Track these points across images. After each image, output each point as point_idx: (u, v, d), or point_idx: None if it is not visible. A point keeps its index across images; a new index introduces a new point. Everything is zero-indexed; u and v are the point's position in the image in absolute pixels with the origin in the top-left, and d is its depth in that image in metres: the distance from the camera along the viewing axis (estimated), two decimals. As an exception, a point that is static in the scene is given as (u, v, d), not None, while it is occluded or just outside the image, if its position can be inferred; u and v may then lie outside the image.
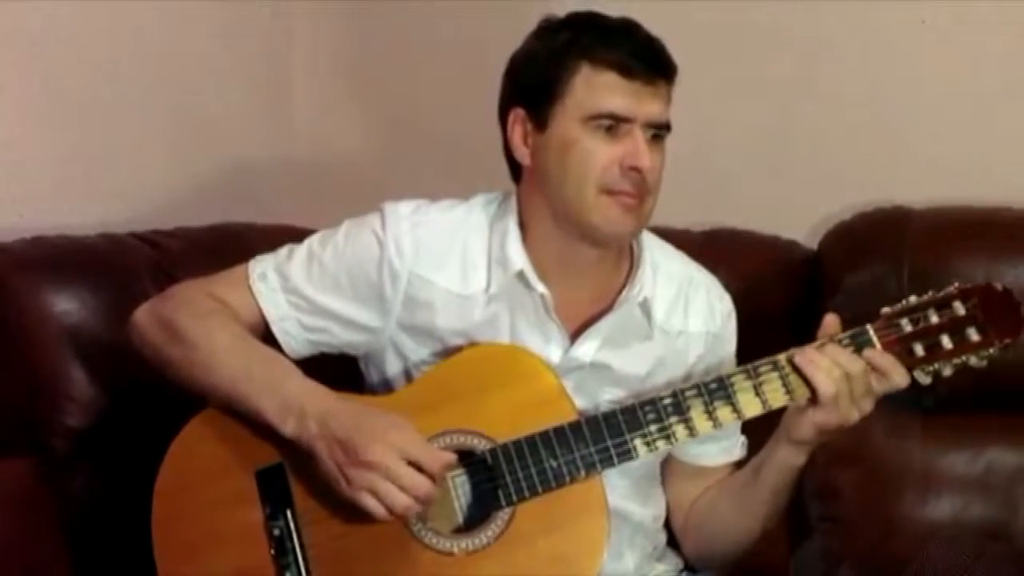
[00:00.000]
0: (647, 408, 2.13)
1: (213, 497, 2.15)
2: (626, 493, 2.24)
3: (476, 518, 2.13)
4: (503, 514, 2.11)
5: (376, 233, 2.22)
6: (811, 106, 2.84)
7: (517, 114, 2.19)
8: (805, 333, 2.14)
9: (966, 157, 2.73)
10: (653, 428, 2.12)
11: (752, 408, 2.13)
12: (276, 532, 2.12)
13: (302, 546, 2.12)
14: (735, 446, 2.31)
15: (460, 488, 2.14)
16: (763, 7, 2.84)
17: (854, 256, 2.62)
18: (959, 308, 2.06)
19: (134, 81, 2.79)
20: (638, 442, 2.12)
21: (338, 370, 2.27)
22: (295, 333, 2.23)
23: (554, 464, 2.11)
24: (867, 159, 2.80)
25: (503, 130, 2.23)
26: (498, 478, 2.11)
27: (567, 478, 2.11)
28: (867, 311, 2.10)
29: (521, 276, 2.19)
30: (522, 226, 2.22)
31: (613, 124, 2.13)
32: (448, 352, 2.20)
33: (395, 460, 2.04)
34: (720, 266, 2.40)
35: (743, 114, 2.86)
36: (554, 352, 2.21)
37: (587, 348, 2.21)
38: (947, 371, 2.07)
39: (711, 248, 2.56)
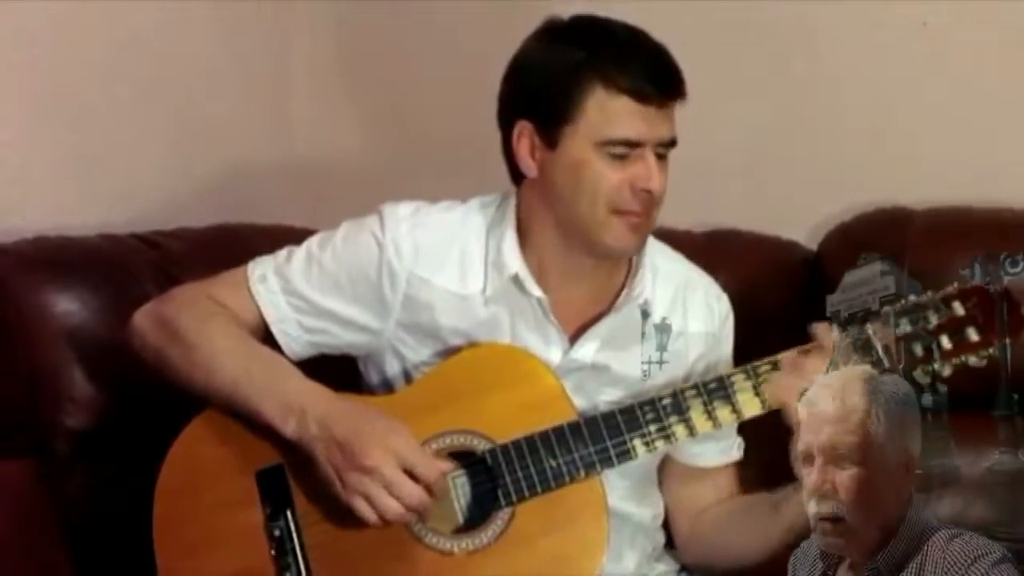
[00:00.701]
0: (646, 408, 2.13)
1: (214, 498, 2.16)
2: (626, 494, 2.24)
3: (476, 518, 2.13)
4: (503, 514, 2.11)
5: (375, 235, 2.22)
6: (811, 106, 2.83)
7: (524, 127, 2.18)
8: (805, 333, 2.14)
9: (966, 157, 2.72)
10: (652, 428, 2.13)
11: (752, 408, 2.13)
12: (276, 533, 2.12)
13: (302, 546, 2.12)
14: (732, 447, 2.31)
15: (460, 488, 2.14)
16: (763, 7, 2.83)
17: (854, 256, 2.61)
18: (958, 308, 2.05)
19: (134, 82, 2.79)
20: (637, 442, 2.13)
21: (338, 370, 2.28)
22: (295, 334, 2.23)
23: (553, 464, 2.11)
24: (867, 159, 2.79)
25: (505, 135, 2.22)
26: (498, 478, 2.11)
27: (567, 478, 2.11)
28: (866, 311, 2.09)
29: (516, 280, 2.20)
30: (521, 230, 2.22)
31: (626, 150, 2.13)
32: (448, 352, 2.20)
33: (391, 467, 2.04)
34: (721, 267, 2.40)
35: (743, 114, 2.85)
36: (554, 354, 2.21)
37: (587, 349, 2.21)
38: (946, 371, 2.07)
39: (712, 249, 2.57)
